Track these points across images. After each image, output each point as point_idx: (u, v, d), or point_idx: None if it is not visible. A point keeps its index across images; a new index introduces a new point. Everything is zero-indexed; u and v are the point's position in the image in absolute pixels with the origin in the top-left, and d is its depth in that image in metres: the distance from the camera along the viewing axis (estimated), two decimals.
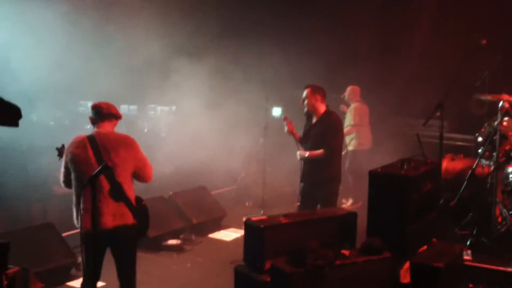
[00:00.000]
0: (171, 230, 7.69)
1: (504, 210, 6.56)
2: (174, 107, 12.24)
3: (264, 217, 5.24)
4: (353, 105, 9.59)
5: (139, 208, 4.83)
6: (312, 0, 11.57)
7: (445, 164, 7.12)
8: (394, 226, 5.10)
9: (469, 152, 9.42)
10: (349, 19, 10.92)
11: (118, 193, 4.58)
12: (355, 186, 9.40)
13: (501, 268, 5.78)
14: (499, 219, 6.64)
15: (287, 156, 9.72)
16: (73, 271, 6.49)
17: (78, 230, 6.79)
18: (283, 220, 5.15)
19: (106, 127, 4.75)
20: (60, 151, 4.92)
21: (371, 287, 4.79)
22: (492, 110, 8.86)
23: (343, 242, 5.27)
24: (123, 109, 12.38)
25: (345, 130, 9.43)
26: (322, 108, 6.62)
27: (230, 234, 8.05)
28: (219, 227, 8.34)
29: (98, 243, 4.46)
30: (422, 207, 5.38)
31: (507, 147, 6.69)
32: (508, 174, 6.68)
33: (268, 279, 4.78)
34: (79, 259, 6.49)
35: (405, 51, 10.59)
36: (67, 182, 4.75)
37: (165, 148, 9.61)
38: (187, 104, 10.33)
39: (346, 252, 4.90)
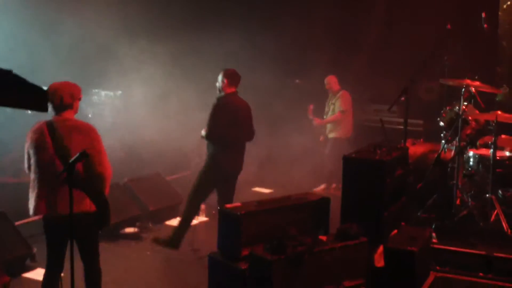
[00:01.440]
0: (127, 218, 7.44)
1: (465, 193, 6.70)
2: (119, 92, 11.84)
3: (238, 204, 5.10)
4: (340, 93, 9.47)
5: (98, 195, 4.61)
6: None
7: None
8: (369, 211, 5.11)
9: (419, 135, 9.65)
10: (311, 4, 10.88)
11: (74, 179, 4.27)
12: (333, 173, 9.30)
13: (466, 250, 5.89)
14: (458, 202, 6.78)
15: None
16: (28, 262, 6.17)
17: (32, 219, 6.60)
18: (258, 207, 5.04)
19: (65, 114, 4.61)
20: None
21: (348, 272, 4.77)
22: (441, 95, 9.11)
23: (318, 228, 5.23)
24: None
25: (333, 116, 9.46)
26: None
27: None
28: (176, 213, 8.10)
29: (55, 230, 4.53)
30: (394, 191, 5.41)
31: (468, 132, 6.83)
32: (469, 158, 6.82)
33: (245, 267, 4.68)
34: (35, 250, 6.20)
35: (365, 36, 10.66)
36: (30, 168, 4.66)
37: (114, 134, 9.29)
38: (136, 89, 10.04)
39: (323, 238, 4.86)
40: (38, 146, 4.54)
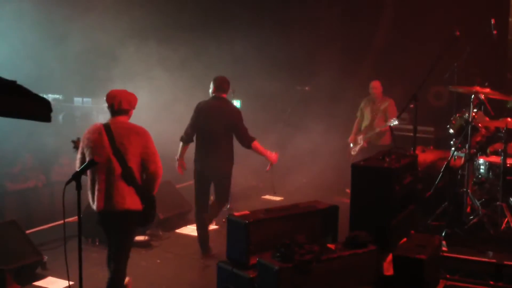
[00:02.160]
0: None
1: (475, 201, 6.66)
2: None
3: (246, 212, 5.11)
4: (389, 101, 9.19)
5: (147, 195, 4.98)
6: None
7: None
8: (378, 218, 5.10)
9: (430, 143, 9.60)
10: (313, 12, 10.89)
11: (129, 176, 4.81)
12: None
13: (476, 258, 5.85)
14: (468, 209, 6.75)
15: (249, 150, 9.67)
16: (39, 270, 6.20)
17: (43, 227, 6.65)
18: (266, 215, 5.06)
19: (120, 118, 4.97)
20: (76, 143, 5.16)
21: (357, 280, 4.79)
22: (451, 101, 9.05)
23: (326, 236, 5.23)
24: (76, 102, 12.03)
25: (384, 127, 9.06)
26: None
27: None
28: (185, 221, 8.15)
29: (108, 222, 4.91)
30: (403, 199, 5.40)
31: (478, 139, 6.79)
32: (479, 165, 6.78)
33: (253, 275, 4.69)
34: (45, 258, 6.24)
35: (373, 42, 10.64)
36: None
37: None
38: (145, 96, 10.08)
39: (331, 246, 4.86)
40: (96, 146, 4.85)
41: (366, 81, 9.71)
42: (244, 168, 9.60)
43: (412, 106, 6.47)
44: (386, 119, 9.01)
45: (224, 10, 11.18)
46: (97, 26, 9.30)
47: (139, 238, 7.28)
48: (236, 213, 5.10)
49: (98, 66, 9.73)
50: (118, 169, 4.79)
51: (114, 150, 4.80)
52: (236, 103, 11.11)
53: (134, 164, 4.84)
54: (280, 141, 9.96)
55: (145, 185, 4.96)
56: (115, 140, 4.82)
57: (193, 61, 9.74)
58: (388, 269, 5.07)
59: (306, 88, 10.01)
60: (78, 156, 5.03)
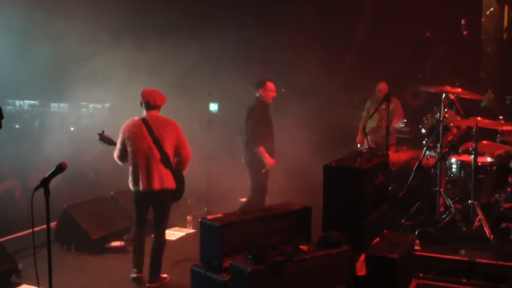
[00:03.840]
0: (115, 231, 7.43)
1: (448, 199, 6.74)
2: (107, 104, 11.89)
3: (219, 215, 5.13)
4: (395, 102, 9.08)
5: (179, 176, 6.01)
6: None
7: (390, 156, 7.21)
8: (351, 218, 5.13)
9: (405, 142, 9.66)
10: (292, 14, 10.93)
11: (166, 161, 5.83)
12: None
13: (449, 257, 5.91)
14: (441, 208, 6.82)
15: (230, 151, 9.67)
16: (13, 278, 6.15)
17: (17, 235, 6.61)
18: (240, 218, 5.08)
19: (154, 112, 5.95)
20: (101, 136, 6.28)
21: (331, 280, 4.80)
22: (428, 101, 9.13)
23: (300, 237, 5.25)
24: (53, 107, 11.97)
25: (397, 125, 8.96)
26: None
27: (175, 233, 7.87)
28: None
29: (145, 201, 5.95)
30: (375, 199, 5.44)
31: (450, 138, 6.87)
32: (451, 164, 6.87)
33: (227, 278, 4.70)
34: (20, 266, 6.19)
35: (345, 43, 10.71)
36: (122, 157, 5.97)
37: (102, 145, 9.32)
38: (123, 100, 10.05)
39: (304, 247, 4.88)
40: (137, 137, 5.81)
41: (344, 82, 9.80)
42: (222, 169, 9.64)
43: (384, 107, 6.53)
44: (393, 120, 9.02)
45: (201, 11, 11.18)
46: (70, 32, 9.24)
47: (116, 243, 7.26)
48: (209, 217, 5.11)
49: (73, 72, 9.68)
50: (157, 155, 5.79)
51: (153, 139, 5.78)
52: (214, 106, 11.15)
53: (169, 150, 5.87)
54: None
55: (177, 167, 5.98)
56: (153, 131, 5.80)
57: (169, 64, 9.72)
58: (361, 269, 5.10)
59: (282, 90, 10.02)
60: (119, 146, 5.95)
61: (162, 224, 6.06)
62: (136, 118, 5.94)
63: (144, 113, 5.99)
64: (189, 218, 8.10)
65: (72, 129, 11.47)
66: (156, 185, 5.81)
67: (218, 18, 10.70)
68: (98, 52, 9.41)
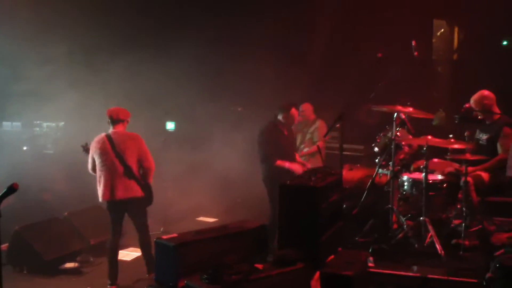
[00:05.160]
0: (68, 253, 7.31)
1: (400, 216, 6.87)
2: (61, 123, 11.69)
3: (175, 234, 5.11)
4: (318, 122, 9.33)
5: (145, 184, 6.51)
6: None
7: (344, 174, 7.32)
8: (306, 236, 5.18)
9: (359, 161, 9.81)
10: (249, 31, 11.01)
11: (129, 172, 6.35)
12: None
13: (402, 273, 6.00)
14: (395, 226, 6.95)
15: (184, 171, 9.65)
16: None
17: None
18: (195, 237, 5.07)
19: (118, 128, 6.49)
20: (85, 147, 6.65)
21: None
22: (382, 120, 9.32)
23: (256, 255, 5.27)
24: (6, 126, 11.69)
25: (311, 148, 9.20)
26: None
27: (130, 254, 7.78)
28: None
29: (115, 209, 6.51)
30: (330, 216, 5.51)
31: (402, 156, 7.04)
32: (403, 182, 7.00)
33: None
34: None
35: (305, 61, 10.84)
36: (93, 169, 6.51)
37: (56, 165, 9.19)
38: (78, 119, 9.95)
39: (259, 265, 4.90)
40: (101, 152, 6.35)
41: (307, 97, 9.88)
42: (177, 190, 9.61)
43: (338, 126, 6.65)
44: (314, 142, 9.21)
45: (158, 30, 11.16)
46: (23, 49, 9.13)
47: (69, 265, 7.14)
48: (164, 236, 5.10)
49: (25, 90, 9.53)
50: (120, 168, 6.32)
51: (116, 154, 6.31)
52: (171, 124, 11.13)
53: (132, 163, 6.38)
54: (214, 161, 9.98)
55: (142, 177, 6.48)
56: (115, 147, 6.33)
57: (125, 81, 9.68)
58: (316, 287, 5.15)
59: (239, 109, 10.09)
60: (89, 160, 6.51)
61: (141, 227, 6.61)
62: (102, 134, 6.46)
63: (110, 129, 6.52)
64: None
65: (25, 148, 11.25)
66: (120, 195, 6.33)
67: (175, 36, 10.70)
68: (52, 71, 9.30)
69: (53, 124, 11.71)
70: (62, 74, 9.45)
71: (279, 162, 7.40)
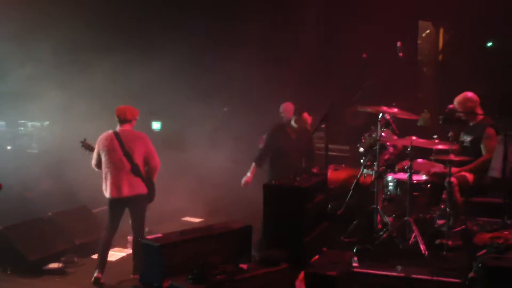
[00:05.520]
0: (53, 253, 7.22)
1: (385, 216, 6.90)
2: (46, 123, 11.63)
3: (159, 235, 5.11)
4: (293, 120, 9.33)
5: (150, 182, 6.64)
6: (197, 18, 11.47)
7: (329, 174, 7.36)
8: (290, 236, 5.21)
9: (344, 161, 9.83)
10: (235, 31, 11.00)
11: (136, 170, 6.46)
12: None
13: (386, 273, 6.03)
14: (380, 226, 6.98)
15: (170, 171, 9.61)
16: None
17: None
18: (180, 237, 5.07)
19: (125, 126, 6.59)
20: (84, 143, 6.83)
21: None
22: (367, 121, 9.36)
23: (240, 256, 5.28)
24: None
25: None
26: None
27: (115, 254, 7.72)
28: None
29: (118, 206, 6.54)
30: (315, 217, 5.54)
31: (386, 157, 7.08)
32: (388, 182, 7.04)
33: None
34: None
35: (291, 61, 10.84)
36: (98, 165, 6.59)
37: (41, 165, 9.13)
38: (62, 119, 9.90)
39: (244, 266, 4.91)
40: (109, 149, 6.44)
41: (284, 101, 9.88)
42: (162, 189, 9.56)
43: (323, 126, 6.67)
44: None
45: (144, 29, 11.11)
46: (10, 48, 9.07)
47: (54, 265, 7.07)
48: (149, 236, 5.09)
49: (9, 90, 9.47)
50: (128, 165, 6.42)
51: (124, 152, 6.41)
52: (157, 124, 11.11)
53: (139, 161, 6.49)
54: (200, 161, 9.97)
55: (148, 174, 6.59)
56: (124, 145, 6.44)
57: (111, 81, 9.63)
58: (300, 286, 5.17)
59: (225, 109, 10.09)
60: (95, 156, 6.58)
61: (139, 226, 6.68)
62: (110, 131, 6.58)
63: (117, 126, 6.61)
64: (129, 238, 7.97)
65: (9, 148, 11.18)
66: (126, 192, 6.44)
67: (163, 37, 10.68)
68: (36, 70, 9.24)
69: (38, 124, 11.64)
70: (47, 74, 9.39)
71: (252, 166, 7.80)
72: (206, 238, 5.18)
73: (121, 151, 6.46)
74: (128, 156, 6.47)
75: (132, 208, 6.66)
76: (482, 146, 6.96)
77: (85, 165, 9.02)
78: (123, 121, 6.60)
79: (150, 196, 6.73)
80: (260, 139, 9.55)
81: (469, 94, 7.15)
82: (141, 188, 6.56)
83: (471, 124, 7.07)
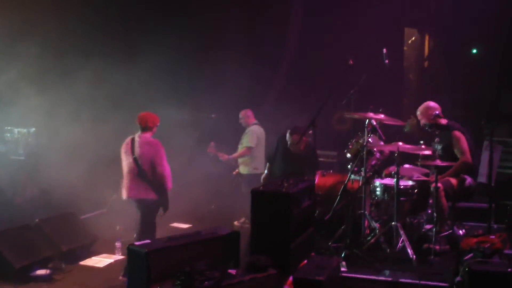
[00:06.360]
0: (39, 259, 7.18)
1: (373, 222, 6.94)
2: (33, 129, 11.56)
3: (147, 241, 5.10)
4: (250, 128, 9.40)
5: (160, 188, 6.89)
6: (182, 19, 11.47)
7: (317, 180, 7.40)
8: (278, 242, 5.22)
9: (332, 167, 9.88)
10: (221, 39, 11.03)
11: (144, 175, 6.84)
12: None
13: (374, 277, 6.08)
14: (367, 231, 7.02)
15: None
16: None
17: None
18: (167, 243, 5.06)
19: (145, 134, 6.99)
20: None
21: None
22: (354, 127, 9.42)
23: (228, 262, 5.29)
24: None
25: (239, 152, 9.38)
26: None
27: (103, 260, 7.71)
28: (89, 253, 7.95)
29: (133, 206, 7.07)
30: (302, 222, 5.56)
31: (373, 162, 7.12)
32: (375, 187, 7.08)
33: None
34: None
35: (273, 68, 10.88)
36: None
37: (27, 172, 9.06)
38: (49, 125, 9.83)
39: (232, 271, 4.92)
40: (125, 153, 7.00)
41: (271, 107, 9.95)
42: None
43: (311, 132, 6.70)
44: (242, 145, 9.45)
45: (128, 34, 11.09)
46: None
47: (41, 272, 7.03)
48: (136, 243, 5.08)
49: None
50: (136, 170, 6.85)
51: (134, 156, 6.86)
52: None
53: (146, 166, 6.84)
54: (187, 167, 9.95)
55: (156, 180, 6.86)
56: (134, 150, 6.89)
57: (95, 87, 9.60)
58: None
59: (213, 115, 10.10)
60: (122, 157, 7.07)
61: (143, 232, 6.90)
62: (130, 137, 7.06)
63: (138, 132, 7.03)
64: (117, 244, 7.96)
65: None
66: (132, 194, 6.91)
67: (146, 41, 10.67)
68: (21, 76, 9.19)
69: (25, 130, 11.57)
70: (32, 80, 9.33)
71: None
72: (194, 244, 5.17)
73: (131, 156, 6.90)
74: (136, 161, 6.86)
75: (139, 211, 7.00)
76: (456, 151, 7.06)
77: (73, 171, 9.04)
78: (143, 128, 6.98)
79: (161, 203, 6.98)
80: (209, 146, 9.66)
81: (431, 103, 7.33)
82: (148, 193, 6.88)
83: (437, 132, 7.05)
